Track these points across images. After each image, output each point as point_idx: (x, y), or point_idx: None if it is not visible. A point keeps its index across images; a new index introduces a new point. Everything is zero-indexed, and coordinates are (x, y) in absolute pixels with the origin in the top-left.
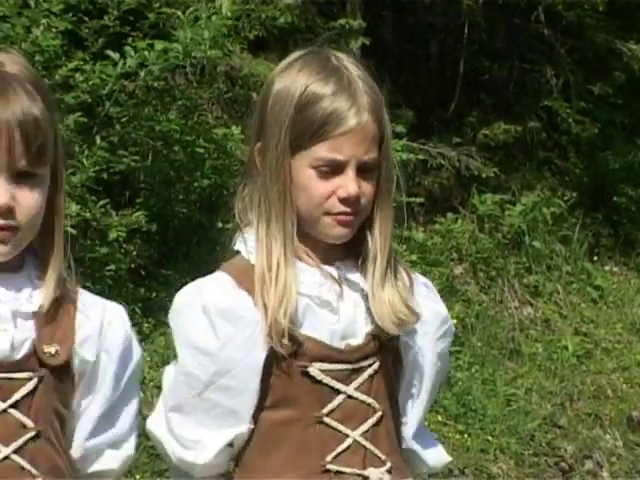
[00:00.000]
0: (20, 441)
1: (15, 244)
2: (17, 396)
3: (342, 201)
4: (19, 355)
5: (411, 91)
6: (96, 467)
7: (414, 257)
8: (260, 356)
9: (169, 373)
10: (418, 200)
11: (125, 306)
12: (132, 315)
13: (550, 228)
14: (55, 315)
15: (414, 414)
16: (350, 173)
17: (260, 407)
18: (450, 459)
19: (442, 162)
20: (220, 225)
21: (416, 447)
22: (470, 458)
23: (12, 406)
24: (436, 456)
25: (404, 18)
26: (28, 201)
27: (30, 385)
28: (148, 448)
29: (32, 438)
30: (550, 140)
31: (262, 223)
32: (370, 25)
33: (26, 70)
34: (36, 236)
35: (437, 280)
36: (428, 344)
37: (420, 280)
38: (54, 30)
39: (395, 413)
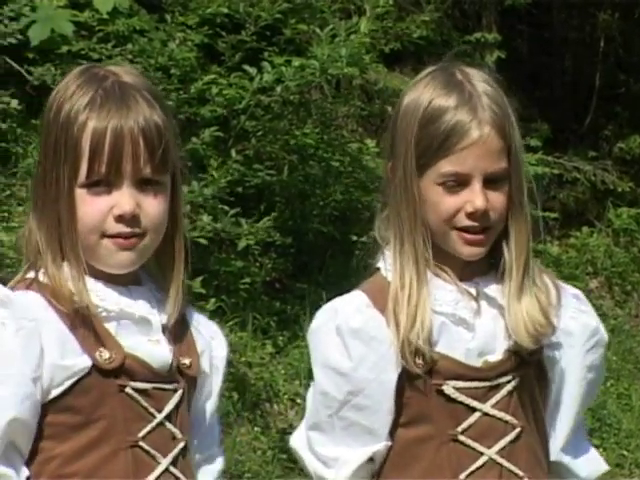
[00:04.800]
0: (174, 452)
1: (141, 252)
2: (169, 407)
3: (469, 216)
4: (169, 366)
5: (546, 105)
6: None
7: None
8: (393, 375)
9: (310, 392)
10: (552, 216)
11: (260, 319)
12: (267, 328)
13: None
14: (180, 328)
15: (561, 427)
16: (476, 187)
17: (396, 424)
18: (607, 468)
19: (577, 176)
20: (354, 239)
21: (565, 459)
22: (605, 473)
23: (165, 417)
24: (590, 467)
25: (539, 32)
26: (153, 208)
27: (177, 396)
28: (282, 461)
29: (182, 450)
30: None
31: (396, 242)
32: (505, 38)
33: (141, 79)
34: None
35: None
36: (576, 357)
37: (570, 292)
38: (189, 43)
39: (540, 428)
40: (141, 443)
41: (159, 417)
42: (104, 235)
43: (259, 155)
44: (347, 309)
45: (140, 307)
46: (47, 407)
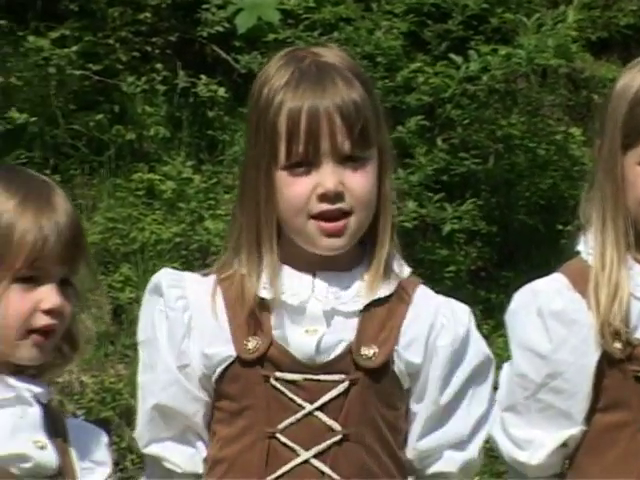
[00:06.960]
0: (323, 445)
1: (351, 234)
2: (325, 398)
3: None
4: (329, 357)
5: None
6: (435, 468)
7: None
8: (592, 359)
9: (505, 373)
10: None
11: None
12: None
13: None
14: (382, 315)
15: None
16: None
17: (592, 409)
18: None
19: None
20: (560, 228)
21: None
22: None
23: (318, 408)
24: None
25: None
26: (357, 184)
27: (341, 387)
28: (487, 450)
29: (338, 442)
30: None
31: (598, 222)
32: None
33: (343, 59)
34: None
35: None
36: None
37: None
38: (395, 32)
39: None
40: (278, 435)
41: (308, 408)
42: (310, 216)
43: (465, 144)
44: (548, 291)
45: (305, 294)
46: (215, 392)
